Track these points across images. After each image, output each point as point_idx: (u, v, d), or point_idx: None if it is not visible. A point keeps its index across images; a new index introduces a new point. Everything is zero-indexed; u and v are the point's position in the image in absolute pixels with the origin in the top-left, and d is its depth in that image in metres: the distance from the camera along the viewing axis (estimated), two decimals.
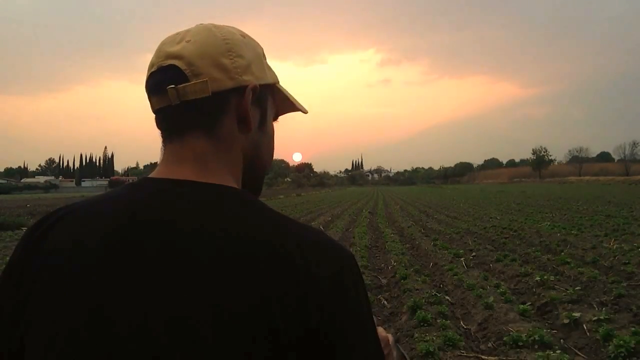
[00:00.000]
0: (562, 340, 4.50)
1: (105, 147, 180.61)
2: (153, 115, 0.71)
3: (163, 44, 0.69)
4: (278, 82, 0.77)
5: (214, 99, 0.66)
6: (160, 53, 0.68)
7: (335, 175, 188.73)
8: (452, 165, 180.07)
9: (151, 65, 0.69)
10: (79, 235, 0.62)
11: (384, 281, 7.34)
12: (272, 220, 0.63)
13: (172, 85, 0.65)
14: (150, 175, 0.69)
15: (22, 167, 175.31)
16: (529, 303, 5.63)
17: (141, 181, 0.69)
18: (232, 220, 0.61)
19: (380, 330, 0.77)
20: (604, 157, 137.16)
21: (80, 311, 0.57)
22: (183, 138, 0.67)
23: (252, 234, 0.60)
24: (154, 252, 0.58)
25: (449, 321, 4.91)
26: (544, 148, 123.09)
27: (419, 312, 5.07)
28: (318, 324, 0.56)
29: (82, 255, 0.60)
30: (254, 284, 0.56)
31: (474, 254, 9.12)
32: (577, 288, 5.87)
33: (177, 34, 0.70)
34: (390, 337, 0.82)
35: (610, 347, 4.03)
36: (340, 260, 0.62)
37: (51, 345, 0.57)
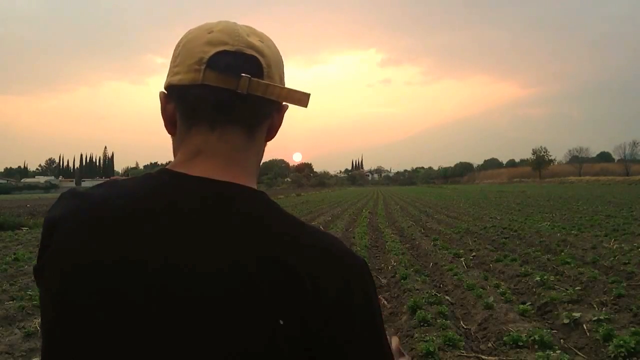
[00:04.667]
0: (562, 340, 4.50)
1: (105, 147, 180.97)
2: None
3: (232, 29, 0.66)
4: None
5: (269, 105, 0.68)
6: (239, 38, 0.65)
7: (335, 175, 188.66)
8: (452, 165, 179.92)
9: (221, 42, 0.65)
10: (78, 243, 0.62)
11: (384, 281, 7.34)
12: (285, 229, 0.61)
13: (248, 75, 0.63)
14: (173, 168, 0.67)
15: (22, 167, 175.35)
16: (529, 303, 5.62)
17: (163, 176, 0.66)
18: (244, 230, 0.60)
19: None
20: (604, 157, 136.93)
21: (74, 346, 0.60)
22: (225, 129, 0.66)
23: (264, 244, 0.59)
24: (156, 290, 0.57)
25: (449, 321, 4.91)
26: (544, 148, 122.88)
27: (419, 312, 5.07)
28: (322, 336, 0.56)
29: (73, 282, 0.60)
30: (259, 298, 0.55)
31: (474, 254, 9.11)
32: (577, 288, 5.87)
33: (235, 23, 0.68)
34: (396, 340, 0.82)
35: (610, 347, 4.03)
36: (349, 270, 0.61)
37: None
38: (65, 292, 0.60)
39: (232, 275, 0.56)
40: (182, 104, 0.67)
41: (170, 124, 0.70)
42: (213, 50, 0.64)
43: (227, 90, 0.63)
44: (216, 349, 0.55)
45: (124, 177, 0.71)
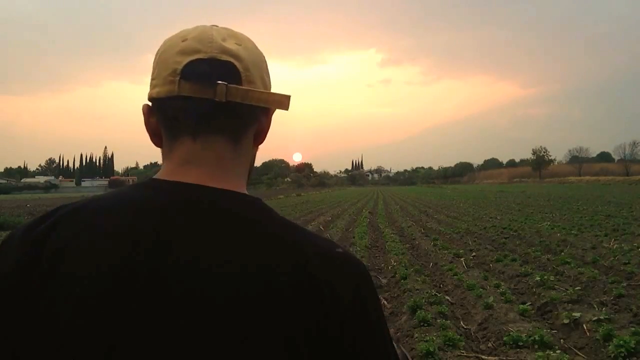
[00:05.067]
0: (562, 340, 4.51)
1: (105, 147, 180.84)
2: None
3: (206, 35, 0.64)
4: None
5: (253, 110, 0.66)
6: (212, 43, 0.63)
7: (335, 175, 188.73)
8: (452, 165, 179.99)
9: (194, 50, 0.63)
10: (86, 254, 0.58)
11: (384, 281, 7.34)
12: (287, 234, 0.62)
13: (225, 82, 0.61)
14: (161, 177, 0.65)
15: (22, 167, 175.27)
16: (529, 303, 5.63)
17: (153, 183, 0.65)
18: (250, 240, 0.59)
19: None
20: (604, 157, 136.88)
21: (89, 349, 0.55)
22: (208, 139, 0.65)
23: (269, 249, 0.59)
24: (174, 290, 0.56)
25: (449, 321, 4.91)
26: (544, 148, 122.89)
27: (419, 312, 5.07)
28: (340, 342, 0.57)
29: (90, 283, 0.57)
30: (277, 321, 0.55)
31: (474, 254, 9.12)
32: (577, 288, 5.87)
33: (212, 27, 0.67)
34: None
35: (610, 347, 4.04)
36: (357, 275, 0.62)
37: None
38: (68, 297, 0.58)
39: (249, 280, 0.56)
40: (163, 117, 0.66)
41: (155, 137, 0.69)
42: (186, 60, 0.63)
43: (205, 99, 0.62)
44: (232, 354, 0.54)
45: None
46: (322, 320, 0.56)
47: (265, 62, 0.70)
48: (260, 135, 0.71)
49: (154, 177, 0.67)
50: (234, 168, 0.67)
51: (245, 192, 0.67)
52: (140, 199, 0.63)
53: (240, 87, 0.63)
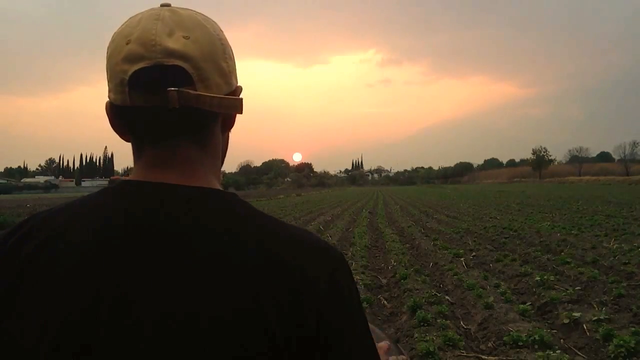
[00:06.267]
0: (562, 340, 4.51)
1: (105, 147, 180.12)
2: None
3: (149, 35, 0.60)
4: None
5: None
6: (155, 47, 0.59)
7: (335, 175, 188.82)
8: (452, 165, 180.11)
9: (137, 56, 0.59)
10: (68, 235, 0.60)
11: (384, 281, 7.34)
12: (264, 223, 0.62)
13: (175, 89, 0.59)
14: (133, 178, 0.65)
15: (22, 167, 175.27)
16: (529, 303, 5.63)
17: (124, 185, 0.64)
18: (223, 224, 0.60)
19: (379, 346, 0.76)
20: (604, 157, 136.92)
21: (74, 303, 0.56)
22: (171, 145, 0.64)
23: (245, 237, 0.59)
24: (149, 254, 0.57)
25: (449, 321, 4.92)
26: (544, 148, 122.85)
27: (419, 312, 5.07)
28: (315, 326, 0.56)
29: (75, 254, 0.58)
30: (248, 289, 0.56)
31: (474, 254, 9.12)
32: (577, 288, 5.88)
33: (157, 19, 0.61)
34: (386, 345, 0.82)
35: (610, 347, 4.04)
36: (333, 261, 0.62)
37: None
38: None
39: (234, 269, 0.57)
40: (123, 124, 0.66)
41: (123, 134, 0.68)
42: (131, 70, 0.59)
43: (159, 107, 0.60)
44: (224, 337, 0.54)
45: (123, 178, 0.69)
46: (296, 306, 0.56)
47: (223, 44, 0.65)
48: (228, 122, 0.69)
49: (125, 179, 0.66)
50: (203, 167, 0.66)
51: (219, 187, 0.66)
52: (112, 204, 0.62)
53: (192, 92, 0.60)
